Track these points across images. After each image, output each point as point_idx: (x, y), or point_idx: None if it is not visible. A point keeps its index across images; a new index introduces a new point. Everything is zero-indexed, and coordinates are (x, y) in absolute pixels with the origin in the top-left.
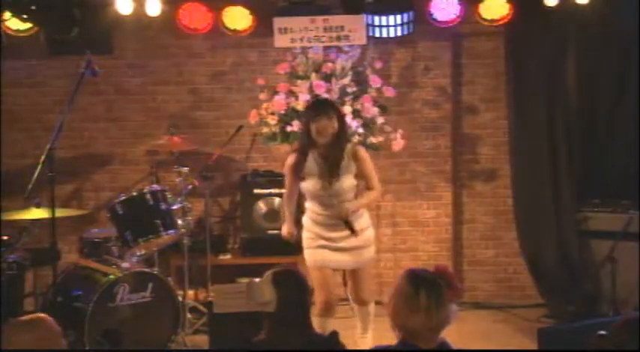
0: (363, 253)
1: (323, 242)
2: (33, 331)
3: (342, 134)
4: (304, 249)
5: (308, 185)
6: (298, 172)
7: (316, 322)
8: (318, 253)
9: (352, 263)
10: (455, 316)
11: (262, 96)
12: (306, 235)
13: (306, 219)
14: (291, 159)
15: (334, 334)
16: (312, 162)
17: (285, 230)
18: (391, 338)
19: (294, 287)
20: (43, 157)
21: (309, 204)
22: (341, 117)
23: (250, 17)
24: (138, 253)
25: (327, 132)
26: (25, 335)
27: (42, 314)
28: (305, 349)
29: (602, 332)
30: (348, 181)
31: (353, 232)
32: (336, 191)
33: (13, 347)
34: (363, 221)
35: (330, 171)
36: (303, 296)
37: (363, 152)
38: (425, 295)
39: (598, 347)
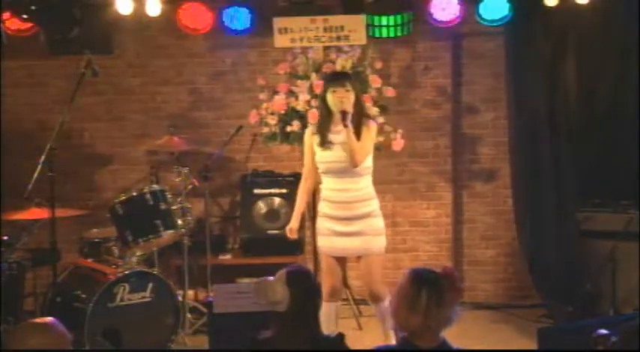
0: (371, 241)
1: (333, 226)
2: (47, 335)
3: (360, 104)
4: (317, 236)
5: (328, 154)
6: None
7: (323, 307)
8: (327, 240)
9: (359, 249)
10: (457, 317)
11: (262, 96)
12: (319, 221)
13: (321, 204)
14: (308, 134)
15: (340, 336)
16: (332, 134)
17: (289, 227)
18: None
19: (307, 287)
20: (43, 157)
21: (324, 181)
22: (357, 88)
23: (250, 17)
24: (138, 253)
25: (346, 102)
26: (38, 337)
27: (52, 318)
28: (311, 349)
29: (603, 331)
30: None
31: (345, 124)
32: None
33: (24, 347)
34: (373, 207)
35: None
36: (315, 296)
37: (372, 124)
38: (426, 295)
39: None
